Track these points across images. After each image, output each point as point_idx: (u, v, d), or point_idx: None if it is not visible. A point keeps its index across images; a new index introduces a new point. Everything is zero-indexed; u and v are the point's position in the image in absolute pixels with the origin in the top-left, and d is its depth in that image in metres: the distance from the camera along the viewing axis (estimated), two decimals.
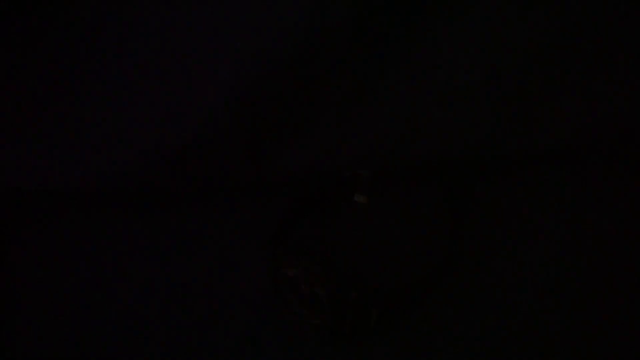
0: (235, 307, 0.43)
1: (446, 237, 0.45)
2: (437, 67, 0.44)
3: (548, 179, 0.48)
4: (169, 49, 0.43)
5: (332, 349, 0.41)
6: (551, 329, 0.41)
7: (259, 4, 0.40)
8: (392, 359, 0.40)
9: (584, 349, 0.40)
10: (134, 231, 0.47)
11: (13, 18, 0.42)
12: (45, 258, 0.47)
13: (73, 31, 0.43)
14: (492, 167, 0.48)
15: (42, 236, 0.48)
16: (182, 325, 0.42)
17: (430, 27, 0.42)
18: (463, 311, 0.42)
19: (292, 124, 0.45)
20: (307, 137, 0.45)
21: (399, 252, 0.45)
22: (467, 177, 0.48)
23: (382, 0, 0.41)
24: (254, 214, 0.47)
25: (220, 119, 0.43)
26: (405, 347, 0.40)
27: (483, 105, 0.45)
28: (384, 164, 0.47)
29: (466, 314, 0.42)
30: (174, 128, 0.44)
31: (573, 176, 0.48)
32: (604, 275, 0.44)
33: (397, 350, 0.40)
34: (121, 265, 0.46)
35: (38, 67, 0.43)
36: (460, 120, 0.45)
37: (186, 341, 0.41)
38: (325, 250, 0.45)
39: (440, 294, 0.42)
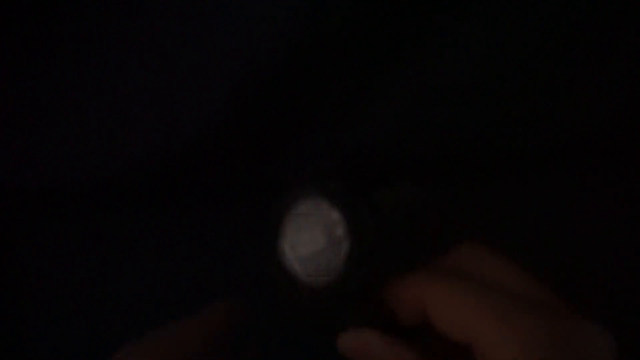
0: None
1: (446, 237, 0.44)
2: (437, 67, 0.44)
3: (548, 179, 0.48)
4: (169, 50, 0.43)
5: (332, 348, 0.41)
6: None
7: (260, 3, 0.40)
8: None
9: None
10: (134, 231, 0.47)
11: (12, 17, 0.42)
12: (45, 258, 0.47)
13: (73, 31, 0.43)
14: (492, 167, 0.48)
15: (42, 236, 0.48)
16: None
17: (431, 27, 0.42)
18: None
19: (292, 124, 0.45)
20: (307, 137, 0.45)
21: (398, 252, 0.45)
22: (467, 177, 0.48)
23: (383, 0, 0.41)
24: (254, 214, 0.47)
25: (221, 119, 0.43)
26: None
27: (483, 105, 0.45)
28: (384, 164, 0.47)
29: None
30: (174, 128, 0.44)
31: (573, 176, 0.48)
32: (605, 275, 0.44)
33: None
34: (121, 265, 0.46)
35: (38, 67, 0.44)
36: (460, 120, 0.45)
37: None
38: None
39: None
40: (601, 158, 0.48)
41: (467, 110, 0.45)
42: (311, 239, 0.35)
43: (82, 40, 0.43)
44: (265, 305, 0.42)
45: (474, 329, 0.32)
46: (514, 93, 0.44)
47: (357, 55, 0.42)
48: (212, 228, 0.47)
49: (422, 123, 0.45)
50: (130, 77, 0.43)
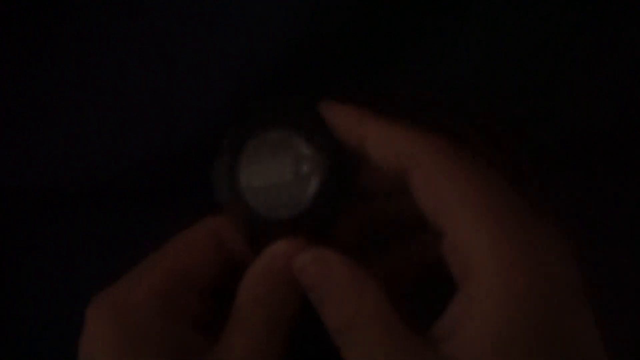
0: None
1: None
2: (437, 67, 0.44)
3: (547, 179, 0.48)
4: (169, 50, 0.43)
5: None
6: None
7: (260, 3, 0.40)
8: None
9: None
10: (134, 231, 0.47)
11: (12, 17, 0.42)
12: (45, 258, 0.47)
13: (73, 31, 0.43)
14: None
15: (42, 236, 0.48)
16: None
17: (431, 27, 0.42)
18: None
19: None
20: None
21: None
22: None
23: (384, 1, 0.41)
24: None
25: (221, 119, 0.43)
26: None
27: (483, 105, 0.45)
28: None
29: None
30: (174, 128, 0.44)
31: (573, 176, 0.47)
32: (605, 276, 0.44)
33: None
34: (121, 265, 0.46)
35: (38, 67, 0.43)
36: (460, 120, 0.45)
37: None
38: None
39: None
40: (601, 158, 0.48)
41: (466, 110, 0.44)
42: (273, 169, 0.35)
43: (82, 40, 0.43)
44: None
45: (455, 216, 0.32)
46: (514, 93, 0.44)
47: (357, 55, 0.42)
48: None
49: (422, 123, 0.45)
50: (130, 77, 0.43)
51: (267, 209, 0.35)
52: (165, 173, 0.45)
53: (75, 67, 0.43)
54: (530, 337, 0.30)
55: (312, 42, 0.41)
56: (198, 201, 0.49)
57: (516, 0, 0.41)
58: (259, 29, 0.40)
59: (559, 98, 0.44)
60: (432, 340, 0.32)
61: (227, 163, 0.35)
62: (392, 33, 0.42)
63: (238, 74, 0.42)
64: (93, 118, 0.44)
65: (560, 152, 0.48)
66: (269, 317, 0.34)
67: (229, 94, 0.42)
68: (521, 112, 0.45)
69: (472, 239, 0.31)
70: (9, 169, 0.45)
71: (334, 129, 0.36)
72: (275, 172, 0.35)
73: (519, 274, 0.30)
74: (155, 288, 0.34)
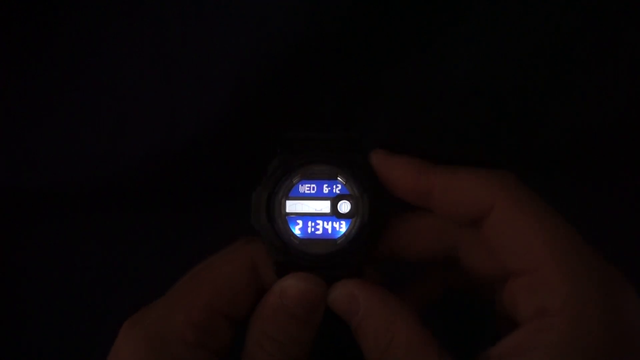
0: None
1: None
2: (437, 67, 0.44)
3: (547, 179, 0.48)
4: (169, 50, 0.43)
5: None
6: None
7: (260, 3, 0.40)
8: None
9: None
10: (134, 231, 0.47)
11: (12, 17, 0.42)
12: (45, 258, 0.47)
13: (73, 31, 0.43)
14: (491, 168, 0.48)
15: (42, 236, 0.48)
16: None
17: (431, 27, 0.42)
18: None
19: (291, 124, 0.45)
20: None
21: None
22: None
23: (384, 1, 0.41)
24: None
25: (221, 119, 0.43)
26: None
27: (483, 105, 0.45)
28: None
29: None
30: (174, 128, 0.44)
31: (573, 176, 0.47)
32: None
33: None
34: (121, 265, 0.46)
35: (38, 67, 0.44)
36: (460, 120, 0.45)
37: None
38: None
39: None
40: (601, 158, 0.48)
41: (466, 110, 0.45)
42: (314, 202, 0.35)
43: (82, 40, 0.43)
44: None
45: (537, 257, 0.32)
46: (513, 93, 0.44)
47: (357, 55, 0.42)
48: (211, 228, 0.47)
49: (422, 123, 0.45)
50: (130, 77, 0.43)
51: (301, 239, 0.35)
52: (165, 173, 0.45)
53: (75, 68, 0.43)
54: None
55: (312, 42, 0.41)
56: (197, 201, 0.50)
57: (516, 0, 0.41)
58: (259, 29, 0.40)
59: (559, 98, 0.44)
60: None
61: (268, 189, 0.35)
62: (392, 33, 0.42)
63: (238, 74, 0.42)
64: (93, 118, 0.44)
65: (560, 152, 0.48)
66: (281, 355, 0.33)
67: (229, 94, 0.42)
68: (521, 112, 0.45)
69: (556, 282, 0.31)
70: (9, 169, 0.45)
71: (389, 182, 0.36)
72: (315, 205, 0.35)
73: (595, 320, 0.30)
74: (191, 319, 0.33)
